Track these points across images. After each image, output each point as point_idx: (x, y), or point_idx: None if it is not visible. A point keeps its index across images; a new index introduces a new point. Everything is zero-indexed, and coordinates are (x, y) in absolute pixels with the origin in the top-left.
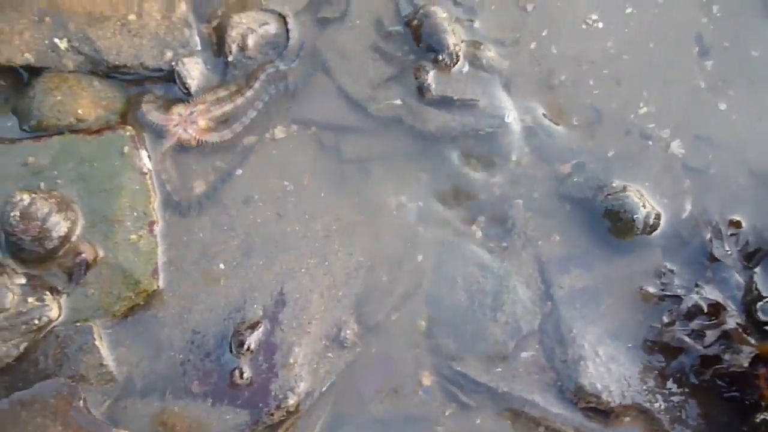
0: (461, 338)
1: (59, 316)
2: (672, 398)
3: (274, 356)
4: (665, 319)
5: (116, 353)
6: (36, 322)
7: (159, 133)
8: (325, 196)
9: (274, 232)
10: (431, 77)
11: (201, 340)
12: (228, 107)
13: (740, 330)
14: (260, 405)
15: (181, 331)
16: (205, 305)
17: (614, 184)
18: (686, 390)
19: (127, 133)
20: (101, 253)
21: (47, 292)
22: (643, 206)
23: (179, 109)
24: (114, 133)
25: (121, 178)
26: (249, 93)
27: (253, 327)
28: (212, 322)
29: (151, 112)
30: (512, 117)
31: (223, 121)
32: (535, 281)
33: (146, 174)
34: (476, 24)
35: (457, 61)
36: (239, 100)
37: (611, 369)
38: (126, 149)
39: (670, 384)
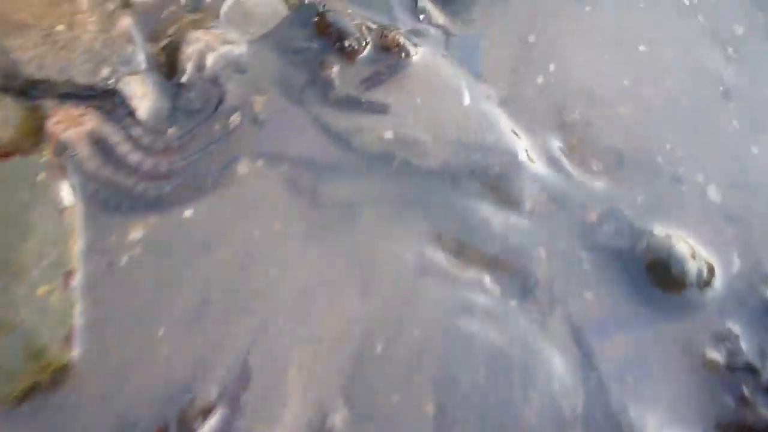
0: (484, 425)
1: None
2: None
3: None
4: (745, 394)
5: None
6: None
7: None
8: (301, 246)
9: (235, 288)
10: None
11: None
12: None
13: None
14: None
15: (102, 422)
16: (137, 384)
17: (655, 232)
18: None
19: (43, 159)
20: None
21: None
22: (693, 257)
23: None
24: (24, 159)
25: (30, 214)
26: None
27: (206, 413)
28: (147, 408)
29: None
30: (526, 155)
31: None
32: (571, 350)
33: (65, 210)
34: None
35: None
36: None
37: None
38: (39, 178)
39: None
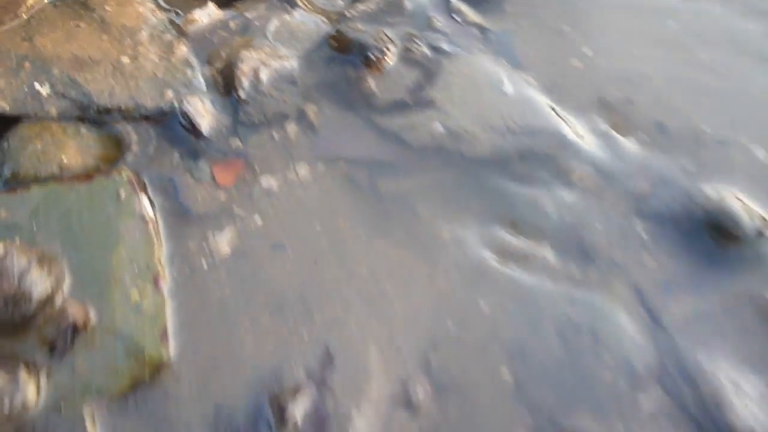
0: (561, 387)
1: (38, 399)
2: None
3: (328, 429)
4: None
5: None
6: (6, 406)
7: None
8: (366, 237)
9: (309, 281)
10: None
11: (227, 419)
12: None
13: None
14: None
15: (200, 409)
16: (229, 375)
17: (706, 193)
18: None
19: (124, 177)
20: (94, 318)
21: (22, 369)
22: (745, 211)
23: None
24: (107, 178)
25: (118, 227)
26: None
27: (296, 393)
28: (240, 395)
29: None
30: (573, 135)
31: None
32: (636, 311)
33: (148, 222)
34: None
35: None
36: None
37: (762, 404)
38: (122, 193)
39: None
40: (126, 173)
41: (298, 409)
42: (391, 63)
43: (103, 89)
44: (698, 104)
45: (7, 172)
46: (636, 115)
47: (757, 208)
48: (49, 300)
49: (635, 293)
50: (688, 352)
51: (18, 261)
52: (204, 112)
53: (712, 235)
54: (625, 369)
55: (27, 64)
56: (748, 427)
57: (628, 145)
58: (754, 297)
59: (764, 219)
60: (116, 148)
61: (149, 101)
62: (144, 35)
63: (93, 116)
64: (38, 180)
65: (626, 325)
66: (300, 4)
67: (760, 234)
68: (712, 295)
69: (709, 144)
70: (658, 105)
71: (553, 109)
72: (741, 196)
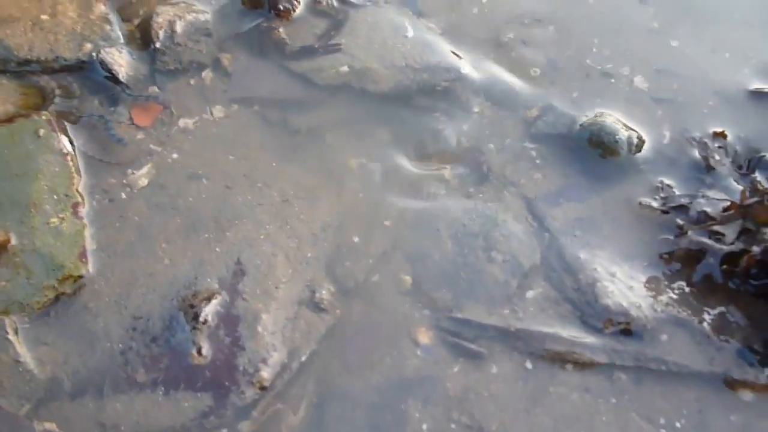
0: (456, 286)
1: None
2: (709, 306)
3: (238, 328)
4: (680, 224)
5: (37, 351)
6: None
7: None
8: (277, 165)
9: (223, 205)
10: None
11: (144, 325)
12: None
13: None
14: (226, 384)
15: (118, 319)
16: (146, 287)
17: (590, 115)
18: (722, 294)
19: (43, 118)
20: (14, 240)
21: None
22: (623, 128)
23: None
24: (27, 120)
25: (37, 161)
26: None
27: (209, 298)
28: (157, 304)
29: None
30: (469, 70)
31: None
32: (525, 218)
33: (67, 155)
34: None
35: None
36: None
37: (633, 286)
38: (42, 132)
39: (702, 292)
40: (45, 115)
41: (210, 310)
42: (299, 13)
43: (23, 43)
44: (585, 42)
45: None
46: (529, 53)
47: (633, 126)
48: None
49: (524, 203)
50: (570, 250)
51: None
52: (122, 62)
53: (594, 151)
54: (513, 266)
55: None
56: (620, 306)
57: (521, 78)
58: (628, 201)
59: (641, 137)
60: (38, 97)
61: (68, 53)
62: None
63: (14, 68)
64: None
65: (515, 230)
66: None
67: (635, 148)
68: (592, 202)
69: (594, 75)
70: (549, 44)
71: (452, 51)
72: (620, 116)
